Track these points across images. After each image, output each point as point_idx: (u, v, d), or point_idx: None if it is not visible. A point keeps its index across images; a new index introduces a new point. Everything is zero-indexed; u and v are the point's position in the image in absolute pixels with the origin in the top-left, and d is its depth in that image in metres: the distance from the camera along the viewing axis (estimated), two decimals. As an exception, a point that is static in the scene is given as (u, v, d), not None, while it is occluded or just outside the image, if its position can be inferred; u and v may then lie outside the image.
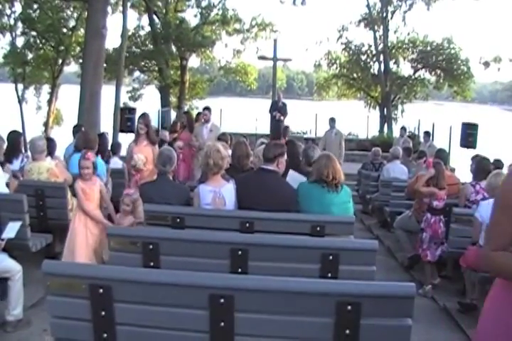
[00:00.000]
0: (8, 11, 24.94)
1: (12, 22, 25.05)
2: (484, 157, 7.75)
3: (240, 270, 3.97)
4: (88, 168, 6.22)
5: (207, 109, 12.15)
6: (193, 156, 11.74)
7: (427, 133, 17.56)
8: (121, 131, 17.17)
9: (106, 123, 17.07)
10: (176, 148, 9.79)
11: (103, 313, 2.76)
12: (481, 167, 7.20)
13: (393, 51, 29.23)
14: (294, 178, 6.06)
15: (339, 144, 15.30)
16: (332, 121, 15.76)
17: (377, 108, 29.29)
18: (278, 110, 18.29)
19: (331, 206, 5.32)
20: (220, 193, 5.33)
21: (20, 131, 11.97)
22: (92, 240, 6.15)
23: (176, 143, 10.88)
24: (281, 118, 18.40)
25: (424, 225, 6.91)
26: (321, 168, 5.37)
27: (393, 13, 28.90)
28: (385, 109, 28.26)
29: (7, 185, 6.50)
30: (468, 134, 15.90)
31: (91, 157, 6.30)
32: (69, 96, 22.32)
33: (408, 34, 29.36)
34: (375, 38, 28.87)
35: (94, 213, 6.25)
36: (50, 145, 7.95)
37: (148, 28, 27.39)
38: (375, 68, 29.41)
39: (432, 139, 19.07)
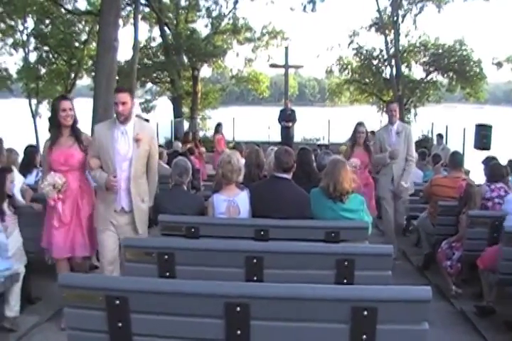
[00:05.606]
0: (20, 27, 25.22)
1: (25, 38, 25.29)
2: (495, 159, 7.75)
3: (255, 278, 3.97)
4: None
5: (121, 90, 5.50)
6: (87, 195, 5.78)
7: (440, 136, 17.48)
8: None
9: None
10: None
11: (120, 324, 2.78)
12: (494, 170, 7.15)
13: (405, 55, 29.10)
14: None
15: (407, 149, 8.44)
16: (390, 110, 8.67)
17: (391, 112, 29.06)
18: (286, 119, 18.45)
19: (343, 212, 5.31)
20: (234, 202, 5.34)
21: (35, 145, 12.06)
22: None
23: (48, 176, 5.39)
24: (290, 124, 18.55)
25: (456, 244, 6.84)
26: (324, 178, 5.35)
27: (404, 16, 28.77)
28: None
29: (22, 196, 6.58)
30: (482, 136, 15.81)
31: None
32: (82, 109, 22.42)
33: (419, 37, 29.25)
34: (386, 42, 28.76)
35: None
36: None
37: (159, 40, 27.60)
38: (386, 72, 29.28)
39: (446, 142, 19.01)
